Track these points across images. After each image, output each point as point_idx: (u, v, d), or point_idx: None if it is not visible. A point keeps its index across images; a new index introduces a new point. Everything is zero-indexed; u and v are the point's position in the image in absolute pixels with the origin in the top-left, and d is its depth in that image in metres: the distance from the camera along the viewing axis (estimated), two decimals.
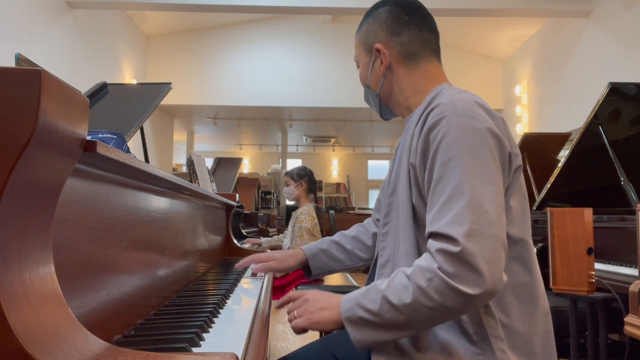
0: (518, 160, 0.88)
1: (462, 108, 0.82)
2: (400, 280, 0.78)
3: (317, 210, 2.96)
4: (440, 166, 0.81)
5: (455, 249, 0.73)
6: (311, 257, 1.25)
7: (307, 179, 2.93)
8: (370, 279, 1.05)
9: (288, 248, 2.86)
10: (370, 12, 1.04)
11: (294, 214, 2.94)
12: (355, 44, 1.07)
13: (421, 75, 0.99)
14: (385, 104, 1.05)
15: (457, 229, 0.74)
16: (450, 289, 0.73)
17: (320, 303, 0.88)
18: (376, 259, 1.02)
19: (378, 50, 1.00)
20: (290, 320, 0.91)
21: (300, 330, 0.88)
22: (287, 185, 2.96)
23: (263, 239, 3.11)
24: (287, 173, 2.98)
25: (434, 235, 0.78)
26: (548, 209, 1.65)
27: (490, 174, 0.79)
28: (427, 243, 0.79)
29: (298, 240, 2.77)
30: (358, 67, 1.09)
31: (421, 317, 0.76)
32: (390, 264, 0.94)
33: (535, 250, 0.92)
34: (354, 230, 1.29)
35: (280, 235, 3.11)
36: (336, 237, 1.29)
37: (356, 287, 2.61)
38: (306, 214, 2.83)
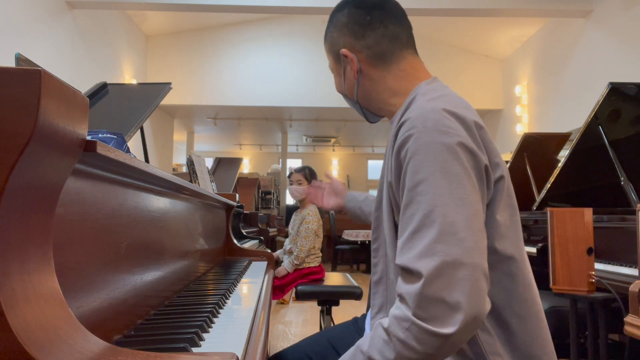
0: (499, 171, 0.80)
1: (431, 121, 0.76)
2: (381, 336, 0.72)
3: (320, 209, 2.96)
4: (408, 190, 0.75)
5: (425, 288, 0.68)
6: (350, 207, 1.44)
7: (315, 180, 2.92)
8: (370, 297, 1.02)
9: (289, 249, 2.85)
10: (331, 18, 0.99)
11: (298, 215, 2.91)
12: (325, 52, 1.02)
13: (395, 76, 0.93)
14: (367, 108, 1.00)
15: (427, 264, 0.69)
16: (430, 335, 0.67)
17: None
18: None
19: (345, 56, 0.94)
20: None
21: None
22: (300, 184, 2.90)
23: (277, 253, 3.05)
24: (298, 171, 2.92)
25: (403, 269, 0.73)
26: (548, 209, 1.65)
27: (464, 195, 0.72)
28: (397, 282, 0.74)
29: (304, 241, 2.77)
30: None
31: None
32: (384, 281, 0.91)
33: (527, 265, 0.85)
34: None
35: (287, 240, 3.08)
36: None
37: (356, 287, 2.61)
38: (313, 215, 2.83)
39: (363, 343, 0.76)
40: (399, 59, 0.93)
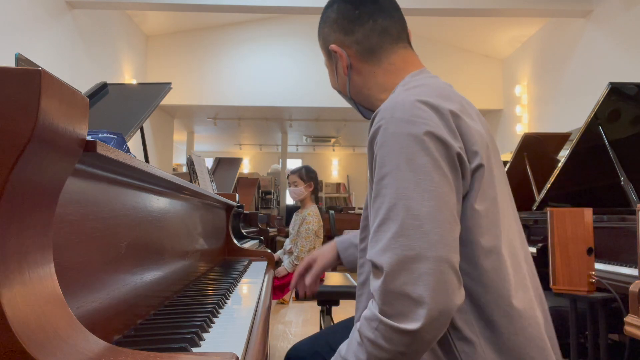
0: (477, 159, 0.77)
1: (400, 111, 0.74)
2: (355, 338, 0.72)
3: (320, 210, 2.96)
4: (376, 183, 0.74)
5: (387, 282, 0.67)
6: (342, 251, 1.19)
7: (314, 180, 2.92)
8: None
9: (290, 249, 2.85)
10: (322, 15, 0.99)
11: (298, 215, 2.91)
12: (320, 49, 1.02)
13: (385, 70, 0.92)
14: (361, 104, 0.99)
15: (389, 258, 0.67)
16: (396, 332, 0.66)
17: None
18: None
19: (335, 52, 0.94)
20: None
21: None
22: (296, 185, 2.91)
23: (277, 254, 3.05)
24: (294, 172, 2.92)
25: (372, 265, 0.72)
26: (548, 209, 1.65)
27: (430, 186, 0.70)
28: (370, 277, 0.74)
29: (304, 242, 2.77)
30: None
31: None
32: (369, 282, 0.91)
33: (517, 260, 0.81)
34: None
35: (287, 240, 3.08)
36: None
37: (356, 287, 2.60)
38: (314, 216, 2.82)
39: (342, 346, 0.76)
40: (389, 53, 0.92)
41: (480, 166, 0.77)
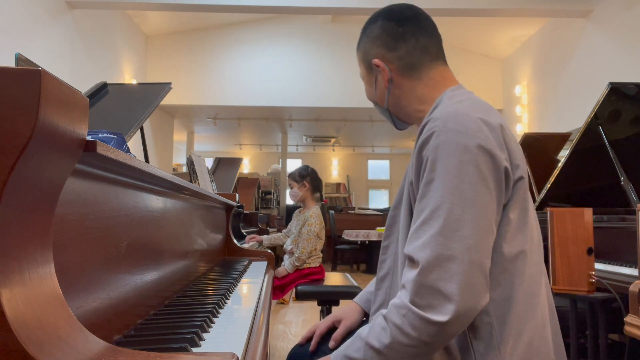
0: (519, 172, 0.83)
1: (452, 122, 0.79)
2: (380, 323, 0.77)
3: (322, 209, 2.94)
4: (424, 185, 0.79)
5: (422, 276, 0.73)
6: (366, 305, 1.16)
7: (309, 178, 2.90)
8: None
9: (290, 250, 2.85)
10: (364, 29, 1.03)
11: (301, 216, 2.89)
12: (357, 61, 1.07)
13: (425, 85, 0.97)
14: (396, 116, 1.04)
15: (426, 254, 0.74)
16: (424, 321, 0.72)
17: None
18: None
19: (377, 66, 0.99)
20: (311, 351, 0.98)
21: None
22: (291, 187, 2.92)
23: (265, 237, 3.09)
24: (289, 175, 2.95)
25: (407, 258, 0.77)
26: (548, 209, 1.65)
27: (474, 196, 0.75)
28: (404, 269, 0.79)
29: (305, 243, 2.76)
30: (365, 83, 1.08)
31: (403, 355, 0.75)
32: (390, 277, 0.93)
33: (536, 257, 0.85)
34: None
35: (280, 234, 3.09)
36: None
37: (356, 287, 2.61)
38: (315, 218, 2.80)
39: (363, 330, 0.81)
40: (429, 69, 0.98)
41: (521, 178, 0.83)
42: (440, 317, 0.71)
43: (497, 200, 0.79)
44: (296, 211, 2.99)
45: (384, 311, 0.78)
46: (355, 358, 0.78)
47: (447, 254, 0.73)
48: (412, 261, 0.76)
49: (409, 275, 0.75)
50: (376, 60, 0.99)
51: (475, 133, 0.78)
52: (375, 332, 0.77)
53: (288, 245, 2.89)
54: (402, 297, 0.76)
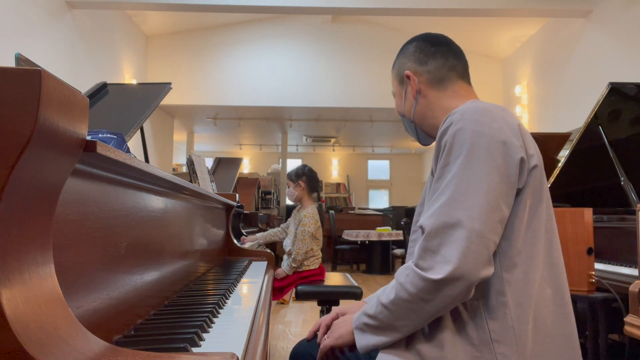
0: (533, 160, 0.89)
1: (469, 113, 0.86)
2: (391, 284, 0.86)
3: (320, 209, 2.93)
4: (440, 168, 0.86)
5: (426, 241, 0.80)
6: None
7: (305, 178, 2.89)
8: None
9: (289, 250, 2.84)
10: (401, 50, 1.14)
11: (297, 215, 2.89)
12: (391, 80, 1.17)
13: (450, 96, 1.05)
14: (421, 128, 1.11)
15: (431, 222, 0.81)
16: (421, 279, 0.79)
17: (341, 323, 1.00)
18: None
19: (408, 77, 1.08)
20: (319, 343, 1.04)
21: (327, 351, 1.00)
22: (288, 186, 2.93)
23: (259, 235, 3.09)
24: (287, 175, 2.96)
25: (420, 228, 0.85)
26: None
27: (483, 174, 0.81)
28: None
29: (300, 244, 2.75)
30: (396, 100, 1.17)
31: (404, 311, 0.83)
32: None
33: (556, 245, 0.91)
34: None
35: (276, 229, 3.08)
36: None
37: (356, 287, 2.61)
38: (310, 218, 2.78)
39: (379, 290, 0.91)
40: (454, 84, 1.07)
41: (536, 166, 0.88)
42: (435, 275, 0.77)
43: (508, 182, 0.83)
44: (294, 210, 2.99)
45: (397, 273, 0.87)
46: (369, 313, 0.88)
47: (450, 221, 0.79)
48: (421, 229, 0.83)
49: (419, 242, 0.82)
50: (408, 72, 1.08)
51: (491, 123, 0.85)
52: (386, 291, 0.86)
53: (287, 246, 2.88)
54: (410, 262, 0.84)
